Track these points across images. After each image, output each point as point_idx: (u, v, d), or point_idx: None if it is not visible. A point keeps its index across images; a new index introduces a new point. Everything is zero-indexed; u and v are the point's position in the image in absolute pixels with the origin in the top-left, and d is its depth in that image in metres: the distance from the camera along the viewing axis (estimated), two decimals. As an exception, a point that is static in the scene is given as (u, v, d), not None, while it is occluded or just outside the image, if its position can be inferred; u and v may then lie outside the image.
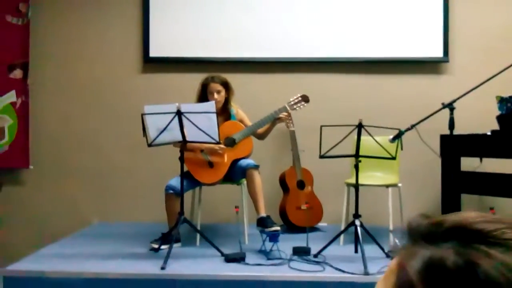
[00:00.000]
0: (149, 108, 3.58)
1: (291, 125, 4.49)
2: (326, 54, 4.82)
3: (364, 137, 3.68)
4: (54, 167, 4.94)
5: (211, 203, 4.49)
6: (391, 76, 4.89)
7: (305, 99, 4.16)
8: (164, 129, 3.54)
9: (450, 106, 3.69)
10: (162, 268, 3.32)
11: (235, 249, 3.69)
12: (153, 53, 4.88)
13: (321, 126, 3.53)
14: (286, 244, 3.81)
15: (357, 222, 3.56)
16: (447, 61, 4.81)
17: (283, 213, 4.54)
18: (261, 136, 4.21)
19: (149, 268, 3.38)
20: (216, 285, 3.24)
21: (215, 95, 3.99)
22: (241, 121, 4.16)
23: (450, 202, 4.37)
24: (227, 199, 4.47)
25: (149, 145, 3.64)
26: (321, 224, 4.66)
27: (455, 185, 4.33)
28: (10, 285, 3.30)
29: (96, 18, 4.95)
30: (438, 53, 4.79)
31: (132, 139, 4.83)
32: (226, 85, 4.06)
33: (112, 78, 4.94)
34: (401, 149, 3.63)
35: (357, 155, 3.61)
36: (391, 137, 3.68)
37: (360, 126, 3.53)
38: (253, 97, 4.69)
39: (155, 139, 3.60)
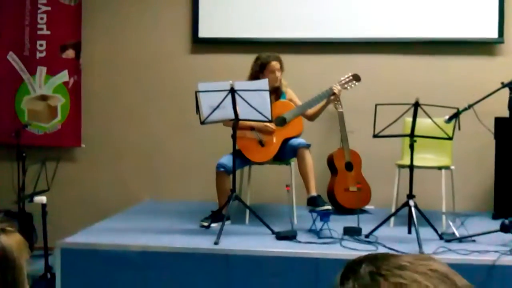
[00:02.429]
0: (203, 85, 3.60)
1: (340, 106, 4.45)
2: (378, 35, 4.75)
3: (418, 119, 3.62)
4: (106, 146, 5.03)
5: (260, 183, 4.50)
6: (443, 57, 4.78)
7: (356, 78, 4.11)
8: (218, 106, 3.56)
9: (510, 85, 3.59)
10: (216, 243, 3.35)
11: (286, 228, 3.69)
12: (202, 33, 4.90)
13: (376, 105, 3.48)
14: (336, 224, 3.78)
15: (411, 203, 3.52)
16: (502, 42, 4.68)
17: (331, 195, 4.51)
18: (311, 117, 4.18)
19: (202, 243, 3.41)
20: (269, 261, 3.25)
21: (277, 73, 3.96)
22: (291, 100, 4.14)
23: (503, 186, 4.27)
24: (276, 179, 4.47)
25: (202, 122, 3.66)
26: (368, 207, 4.61)
27: (508, 168, 4.23)
28: (67, 257, 3.39)
29: (147, -1, 5.00)
30: (493, 34, 4.66)
31: (182, 119, 4.88)
32: (281, 64, 4.04)
33: (162, 59, 4.98)
34: (459, 129, 3.55)
35: (412, 135, 3.55)
36: (447, 117, 3.60)
37: (416, 105, 3.47)
38: (303, 79, 4.65)
39: (208, 116, 3.62)
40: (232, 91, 3.53)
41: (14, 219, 4.10)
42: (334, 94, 4.02)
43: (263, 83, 3.59)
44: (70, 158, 5.07)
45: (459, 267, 0.81)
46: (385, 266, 0.74)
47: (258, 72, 4.00)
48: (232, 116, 3.61)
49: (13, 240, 1.03)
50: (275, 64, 3.99)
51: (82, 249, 3.41)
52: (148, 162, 5.01)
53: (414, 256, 0.77)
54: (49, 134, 5.03)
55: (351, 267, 0.77)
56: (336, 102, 4.33)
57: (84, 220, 4.38)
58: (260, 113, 3.54)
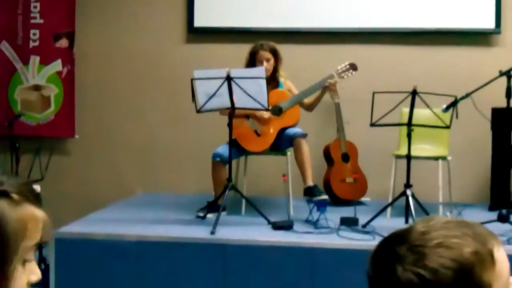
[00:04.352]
0: (199, 73, 3.56)
1: (336, 97, 4.41)
2: (375, 25, 4.72)
3: (415, 109, 3.61)
4: (99, 137, 4.98)
5: (256, 173, 4.46)
6: (440, 47, 4.76)
7: (353, 67, 4.08)
8: (214, 94, 3.52)
9: (507, 73, 3.58)
10: (212, 233, 3.32)
11: (282, 218, 3.66)
12: (198, 23, 4.86)
13: (374, 93, 3.46)
14: (332, 215, 3.75)
15: (409, 192, 3.50)
16: (499, 33, 4.66)
17: (327, 186, 4.49)
18: (309, 107, 4.15)
19: (198, 232, 3.38)
20: (266, 250, 3.23)
21: (264, 63, 3.91)
22: (289, 90, 4.11)
23: (499, 177, 4.26)
24: (272, 170, 4.44)
25: (198, 111, 3.62)
26: (364, 199, 4.59)
27: (505, 159, 4.22)
28: (61, 247, 3.35)
29: (142, -13, 4.95)
30: (490, 24, 4.65)
31: (176, 109, 4.84)
32: (275, 53, 3.99)
33: (157, 48, 4.93)
34: (457, 117, 3.53)
35: (409, 124, 3.53)
36: (444, 106, 3.59)
37: (414, 93, 3.45)
38: (300, 69, 4.61)
39: (204, 104, 3.58)
40: (228, 78, 3.50)
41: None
42: (327, 86, 3.98)
43: (260, 71, 3.56)
44: (63, 148, 5.02)
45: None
46: (414, 238, 0.81)
47: (249, 61, 3.97)
48: (229, 104, 3.57)
49: (16, 213, 0.82)
50: (263, 53, 3.95)
51: (77, 239, 3.37)
52: (143, 153, 4.97)
53: (420, 220, 0.85)
54: (42, 125, 4.98)
55: (389, 254, 0.82)
56: (332, 93, 4.30)
57: (78, 211, 4.32)
58: (257, 101, 3.51)
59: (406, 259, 0.79)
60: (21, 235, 0.83)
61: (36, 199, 0.87)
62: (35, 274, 0.87)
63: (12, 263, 0.81)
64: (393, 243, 0.82)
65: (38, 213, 0.86)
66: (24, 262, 0.84)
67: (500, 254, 0.81)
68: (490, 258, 0.80)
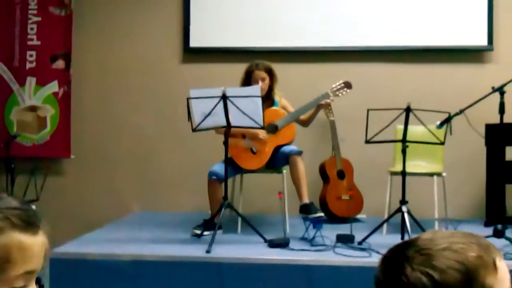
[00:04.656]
0: (195, 92, 3.58)
1: (331, 114, 4.45)
2: (369, 43, 4.78)
3: (409, 126, 3.63)
4: (96, 157, 4.99)
5: (252, 191, 4.47)
6: (433, 65, 4.82)
7: (347, 85, 4.12)
8: (209, 113, 3.54)
9: (500, 90, 3.61)
10: (207, 252, 3.31)
11: (278, 236, 3.65)
12: (194, 43, 4.91)
13: (368, 110, 3.48)
14: (328, 233, 3.74)
15: (404, 208, 3.51)
16: (492, 50, 4.72)
17: (323, 203, 4.49)
18: (305, 123, 4.18)
19: (194, 251, 3.37)
20: (262, 269, 3.21)
21: (260, 83, 3.94)
22: (284, 108, 4.13)
23: (494, 193, 4.27)
24: (268, 188, 4.44)
25: (194, 129, 3.64)
26: (360, 216, 4.59)
27: (499, 175, 4.24)
28: (57, 267, 3.32)
29: (137, 8, 5.00)
30: (483, 41, 4.70)
31: (173, 129, 4.86)
32: (270, 72, 4.03)
33: (153, 68, 4.97)
34: (451, 133, 3.56)
35: (404, 140, 3.55)
36: (438, 122, 3.61)
37: (408, 110, 3.47)
38: (295, 87, 4.65)
39: (200, 123, 3.59)
40: (224, 97, 3.52)
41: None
42: (321, 104, 4.02)
43: (255, 89, 3.59)
44: (59, 169, 5.02)
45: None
46: (421, 243, 0.85)
47: (244, 80, 4.01)
48: (224, 123, 3.59)
49: (6, 239, 0.78)
50: (258, 73, 3.98)
51: (72, 259, 3.35)
52: (139, 172, 4.97)
53: (426, 232, 0.89)
54: (38, 146, 4.99)
55: (398, 256, 0.86)
56: (327, 111, 4.33)
57: (74, 231, 4.31)
58: (252, 119, 3.53)
59: (415, 260, 0.83)
60: (2, 264, 0.78)
61: (27, 225, 0.81)
62: None
63: None
64: (402, 248, 0.87)
65: (27, 240, 0.81)
66: None
67: (502, 264, 0.85)
68: (493, 265, 0.83)
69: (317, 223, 3.62)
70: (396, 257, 0.86)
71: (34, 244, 0.82)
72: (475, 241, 0.85)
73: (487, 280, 0.82)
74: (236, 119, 3.58)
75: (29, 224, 0.82)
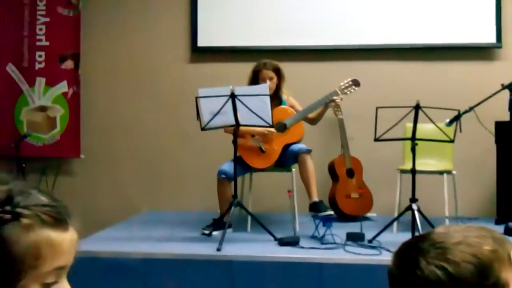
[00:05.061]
0: (203, 91, 3.59)
1: (340, 113, 4.44)
2: (377, 41, 4.77)
3: (418, 124, 3.61)
4: (105, 156, 5.01)
5: (261, 190, 4.47)
6: (442, 62, 4.80)
7: (355, 83, 4.11)
8: (218, 112, 3.54)
9: (509, 87, 3.60)
10: (218, 250, 3.31)
11: (288, 235, 3.66)
12: (201, 42, 4.92)
13: (377, 108, 3.47)
14: (338, 231, 3.74)
15: (414, 206, 3.49)
16: (500, 47, 4.70)
17: (332, 202, 4.49)
18: (313, 121, 4.17)
19: (204, 249, 3.38)
20: (272, 267, 3.21)
21: (268, 82, 3.94)
22: (292, 107, 4.13)
23: (505, 190, 4.25)
24: (277, 186, 4.44)
25: (203, 128, 3.65)
26: (370, 214, 4.59)
27: (510, 172, 4.21)
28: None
29: (145, 8, 5.02)
30: (491, 39, 4.68)
31: (181, 128, 4.87)
32: (278, 72, 4.03)
33: (161, 68, 4.99)
34: (460, 131, 3.54)
35: (413, 138, 3.54)
36: (448, 120, 3.60)
37: (417, 108, 3.46)
38: (303, 86, 4.64)
39: (208, 122, 3.60)
40: (233, 96, 3.53)
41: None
42: (333, 101, 4.01)
43: (264, 88, 3.59)
44: (69, 169, 5.05)
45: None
46: (436, 237, 0.85)
47: (252, 79, 4.01)
48: (233, 122, 3.60)
49: (26, 238, 0.78)
50: (266, 72, 3.98)
51: (83, 258, 3.32)
52: (148, 172, 4.99)
53: (440, 226, 0.89)
54: (48, 145, 5.01)
55: (412, 250, 0.86)
56: (336, 109, 4.33)
57: (84, 230, 4.32)
58: (261, 118, 3.53)
59: (429, 253, 0.83)
60: (32, 260, 0.79)
61: (56, 222, 0.82)
62: None
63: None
64: (416, 241, 0.87)
65: (56, 237, 0.81)
66: (48, 285, 0.81)
67: None
68: (508, 258, 0.83)
69: (327, 221, 3.62)
70: (411, 251, 0.85)
71: (64, 240, 0.83)
72: (489, 235, 0.85)
73: (502, 274, 0.81)
74: (245, 118, 3.58)
75: (59, 220, 0.83)
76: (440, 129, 3.51)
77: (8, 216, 0.79)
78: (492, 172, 4.35)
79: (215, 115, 3.56)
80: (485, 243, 0.83)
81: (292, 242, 3.50)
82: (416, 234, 3.41)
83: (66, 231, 0.84)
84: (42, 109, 5.01)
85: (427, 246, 0.84)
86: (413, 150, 3.56)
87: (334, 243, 3.53)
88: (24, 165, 4.28)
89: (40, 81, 4.99)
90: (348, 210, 4.44)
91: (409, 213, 3.63)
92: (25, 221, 0.79)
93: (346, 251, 3.37)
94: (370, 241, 3.58)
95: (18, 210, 0.80)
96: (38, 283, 0.80)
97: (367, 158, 4.53)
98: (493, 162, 4.31)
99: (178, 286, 3.23)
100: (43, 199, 0.83)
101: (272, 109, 3.73)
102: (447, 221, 3.91)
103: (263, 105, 3.54)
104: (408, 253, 0.86)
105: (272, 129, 3.92)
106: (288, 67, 4.32)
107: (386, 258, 3.22)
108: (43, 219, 0.81)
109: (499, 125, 4.22)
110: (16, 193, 0.81)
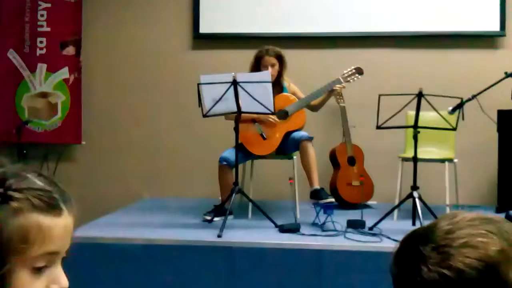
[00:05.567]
0: (205, 77, 3.58)
1: (342, 100, 4.43)
2: (380, 29, 4.74)
3: (421, 112, 3.61)
4: (106, 143, 5.01)
5: (262, 178, 4.47)
6: (445, 50, 4.78)
7: (359, 71, 4.10)
8: (220, 98, 3.54)
9: (513, 75, 3.58)
10: (219, 236, 3.32)
11: (289, 222, 3.66)
12: (203, 29, 4.89)
13: (379, 95, 3.46)
14: (339, 218, 3.74)
15: (415, 194, 3.49)
16: (504, 35, 4.67)
17: (333, 189, 4.49)
18: (314, 108, 4.16)
19: (205, 236, 3.39)
20: (273, 253, 3.22)
21: (269, 69, 3.92)
22: (294, 94, 4.12)
23: (506, 178, 4.25)
24: (278, 174, 4.45)
25: (204, 115, 3.64)
26: (371, 202, 4.59)
27: (512, 161, 4.21)
28: (69, 251, 3.35)
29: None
30: (495, 27, 4.66)
31: (183, 114, 4.86)
32: (280, 58, 4.01)
33: (163, 55, 4.97)
34: (463, 119, 3.53)
35: (416, 126, 3.53)
36: (450, 108, 3.59)
37: (420, 95, 3.45)
38: (305, 73, 4.63)
39: (210, 109, 3.59)
40: (235, 83, 3.51)
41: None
42: (333, 90, 4.00)
43: (265, 75, 3.58)
44: (70, 155, 5.05)
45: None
46: (439, 238, 0.81)
47: (254, 65, 3.99)
48: (235, 109, 3.59)
49: (14, 222, 0.76)
50: (268, 58, 3.96)
51: (85, 243, 3.36)
52: (149, 159, 4.99)
53: (444, 217, 0.84)
54: (49, 132, 5.01)
55: (414, 254, 0.82)
56: (338, 97, 4.32)
57: (85, 216, 4.33)
58: (263, 105, 3.52)
59: (431, 259, 0.79)
60: (19, 244, 0.77)
61: (48, 206, 0.81)
62: (58, 283, 0.83)
63: (4, 271, 0.77)
64: (417, 242, 0.82)
65: (46, 221, 0.80)
66: (38, 269, 0.80)
67: None
68: None
69: (328, 209, 3.62)
70: (412, 255, 0.81)
71: (56, 226, 0.81)
72: (496, 230, 0.80)
73: (510, 275, 0.78)
74: (247, 105, 3.57)
75: (51, 205, 0.81)
76: (443, 117, 3.50)
77: None
78: (494, 161, 4.34)
79: (217, 102, 3.55)
80: (491, 242, 0.78)
81: (293, 229, 3.50)
82: (417, 222, 3.44)
83: (59, 217, 0.82)
84: (43, 95, 5.00)
85: (429, 251, 0.79)
86: (415, 138, 3.55)
87: (335, 230, 3.54)
88: (25, 151, 4.28)
89: (41, 67, 4.97)
90: (349, 197, 4.44)
91: (410, 201, 3.64)
92: (14, 204, 0.78)
93: (347, 238, 3.38)
94: (370, 229, 3.58)
95: (9, 192, 0.78)
96: (28, 267, 0.79)
97: (369, 146, 4.53)
98: (495, 151, 4.31)
99: (179, 272, 3.24)
100: (39, 183, 0.81)
101: (274, 95, 3.72)
102: (448, 210, 3.91)
103: (265, 92, 3.53)
104: (409, 258, 0.82)
105: (274, 116, 3.91)
106: (291, 54, 4.30)
107: (386, 245, 3.22)
108: (34, 203, 0.80)
109: (501, 113, 4.21)
110: (10, 176, 0.80)
